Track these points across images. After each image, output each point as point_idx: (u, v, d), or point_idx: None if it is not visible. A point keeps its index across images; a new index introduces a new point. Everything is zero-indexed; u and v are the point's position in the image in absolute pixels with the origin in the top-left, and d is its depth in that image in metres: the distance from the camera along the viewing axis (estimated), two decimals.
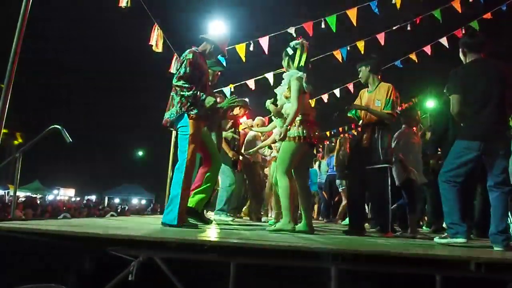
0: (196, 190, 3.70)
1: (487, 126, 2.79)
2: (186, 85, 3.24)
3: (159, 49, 6.14)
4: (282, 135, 3.36)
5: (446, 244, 2.79)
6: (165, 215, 3.19)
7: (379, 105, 3.75)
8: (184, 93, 3.24)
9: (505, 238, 2.64)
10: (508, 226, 2.77)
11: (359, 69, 3.98)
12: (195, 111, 3.26)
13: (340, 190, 7.21)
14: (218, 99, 3.86)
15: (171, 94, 3.37)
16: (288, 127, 3.33)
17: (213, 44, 3.55)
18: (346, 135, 10.00)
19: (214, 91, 4.70)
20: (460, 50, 3.06)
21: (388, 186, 3.70)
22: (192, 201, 3.63)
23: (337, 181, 7.25)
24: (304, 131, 3.36)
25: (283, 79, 3.56)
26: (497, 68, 2.88)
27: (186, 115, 3.26)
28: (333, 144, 8.08)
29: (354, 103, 4.05)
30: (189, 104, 3.27)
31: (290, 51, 3.55)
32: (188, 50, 3.40)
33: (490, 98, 2.80)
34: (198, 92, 3.24)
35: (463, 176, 2.85)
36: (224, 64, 7.06)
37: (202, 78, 3.41)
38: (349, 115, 4.05)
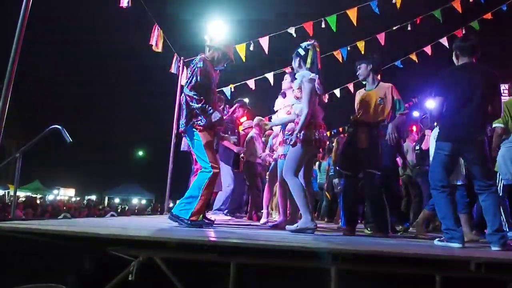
0: None
1: (459, 129, 2.82)
2: (196, 97, 3.30)
3: (159, 49, 6.14)
4: (293, 142, 3.32)
5: (443, 246, 2.79)
6: (179, 209, 3.26)
7: (382, 102, 3.74)
8: (193, 104, 3.31)
9: (501, 236, 2.64)
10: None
11: (359, 66, 3.96)
12: (202, 121, 3.35)
13: (336, 190, 7.19)
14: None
15: (182, 103, 3.47)
16: (299, 134, 3.29)
17: (220, 51, 3.58)
18: (346, 135, 9.98)
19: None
20: (454, 53, 3.07)
21: (381, 188, 3.76)
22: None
23: (335, 180, 7.24)
24: (315, 135, 3.32)
25: (286, 79, 3.55)
26: (483, 74, 2.87)
27: (194, 129, 3.36)
28: (332, 144, 8.07)
29: (356, 106, 4.00)
30: (197, 115, 3.36)
31: (301, 51, 3.54)
32: (199, 58, 3.45)
33: (467, 102, 2.82)
34: (207, 106, 3.31)
35: (446, 179, 2.88)
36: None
37: (211, 85, 3.48)
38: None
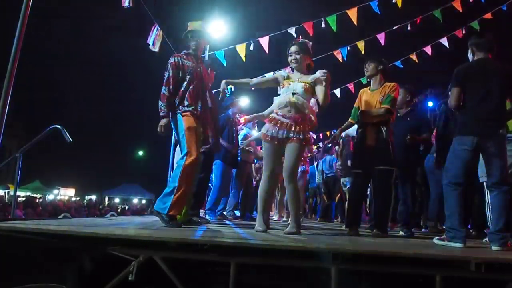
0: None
1: (479, 122, 2.82)
2: (166, 93, 3.39)
3: (156, 48, 6.14)
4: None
5: (443, 246, 2.79)
6: (158, 201, 3.26)
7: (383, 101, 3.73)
8: (159, 100, 3.38)
9: (502, 237, 2.64)
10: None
11: (369, 64, 3.88)
12: (184, 108, 3.39)
13: (345, 189, 7.18)
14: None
15: None
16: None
17: (188, 37, 3.62)
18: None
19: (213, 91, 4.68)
20: (469, 50, 3.08)
21: (392, 187, 3.72)
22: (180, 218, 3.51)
23: (342, 180, 7.24)
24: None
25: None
26: (500, 69, 2.90)
27: (178, 114, 3.39)
28: (329, 145, 8.09)
29: (355, 106, 3.99)
30: (177, 103, 3.40)
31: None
32: (174, 55, 3.55)
33: (486, 96, 2.84)
34: (163, 107, 3.36)
35: (463, 176, 2.86)
36: (225, 63, 7.03)
37: (191, 77, 3.47)
38: (350, 120, 4.01)
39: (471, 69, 2.99)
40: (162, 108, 3.36)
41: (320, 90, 3.23)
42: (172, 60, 3.49)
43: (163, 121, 3.34)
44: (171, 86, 3.40)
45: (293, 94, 3.19)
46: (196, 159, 3.28)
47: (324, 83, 3.20)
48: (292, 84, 3.26)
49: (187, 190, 3.27)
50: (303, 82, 3.25)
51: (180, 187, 3.18)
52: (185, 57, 3.56)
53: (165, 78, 3.43)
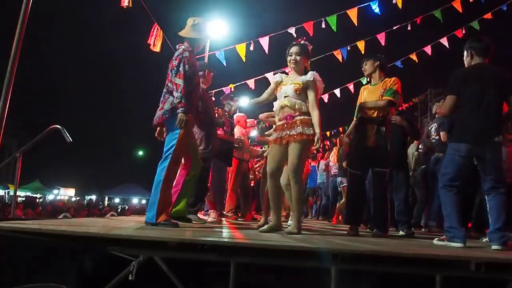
0: (178, 198, 3.57)
1: (475, 130, 2.82)
2: (182, 85, 3.15)
3: (157, 49, 6.13)
4: (317, 145, 3.18)
5: (443, 246, 2.79)
6: (147, 212, 3.22)
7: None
8: (176, 92, 3.14)
9: (502, 236, 2.64)
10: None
11: (366, 62, 3.86)
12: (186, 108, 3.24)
13: (340, 188, 7.18)
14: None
15: (163, 92, 3.32)
16: (319, 135, 3.17)
17: (195, 42, 3.51)
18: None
19: (211, 91, 4.71)
20: (466, 53, 3.05)
21: (387, 187, 3.72)
22: (177, 211, 3.56)
23: (338, 179, 7.23)
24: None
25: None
26: (496, 76, 2.88)
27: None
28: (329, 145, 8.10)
29: (358, 104, 3.97)
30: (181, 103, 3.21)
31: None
32: (183, 49, 3.35)
33: (482, 103, 2.82)
34: (183, 100, 3.12)
35: (458, 180, 2.87)
36: (225, 63, 7.02)
37: (196, 77, 3.41)
38: (355, 119, 3.99)
39: (468, 75, 2.96)
40: (184, 102, 3.11)
41: (309, 94, 3.28)
42: (186, 54, 3.27)
43: (184, 116, 3.11)
44: (186, 81, 3.18)
45: (285, 97, 3.28)
46: (177, 165, 3.27)
47: (313, 89, 3.25)
48: (283, 88, 3.33)
49: (168, 195, 3.28)
50: (294, 83, 3.28)
51: (163, 194, 3.15)
52: (192, 54, 3.40)
53: (181, 71, 3.19)
